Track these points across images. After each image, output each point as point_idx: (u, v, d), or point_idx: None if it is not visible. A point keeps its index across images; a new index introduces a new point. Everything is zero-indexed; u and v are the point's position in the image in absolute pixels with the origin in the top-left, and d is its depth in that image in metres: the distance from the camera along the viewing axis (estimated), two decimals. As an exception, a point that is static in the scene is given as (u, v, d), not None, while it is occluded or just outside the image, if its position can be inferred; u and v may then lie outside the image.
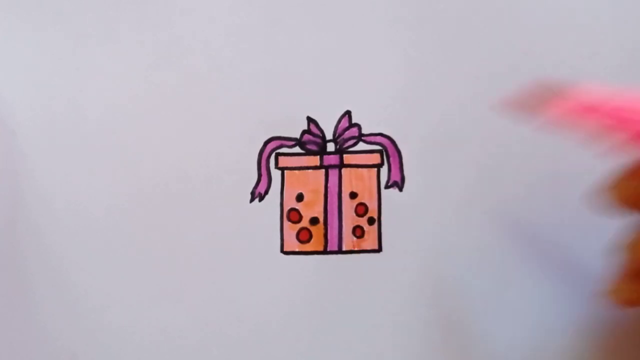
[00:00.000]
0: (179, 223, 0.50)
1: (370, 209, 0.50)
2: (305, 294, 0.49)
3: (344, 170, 0.50)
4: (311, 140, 0.50)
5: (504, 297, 0.49)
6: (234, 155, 0.50)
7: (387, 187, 0.50)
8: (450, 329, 0.49)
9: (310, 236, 0.50)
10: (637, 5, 0.50)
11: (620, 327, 0.49)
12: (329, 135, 0.50)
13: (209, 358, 0.50)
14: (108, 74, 0.50)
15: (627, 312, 0.48)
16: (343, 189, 0.50)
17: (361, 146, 0.50)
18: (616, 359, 0.50)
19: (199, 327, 0.50)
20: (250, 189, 0.50)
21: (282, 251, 0.50)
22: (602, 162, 0.50)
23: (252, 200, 0.50)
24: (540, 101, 0.38)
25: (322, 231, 0.50)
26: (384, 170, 0.50)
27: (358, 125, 0.50)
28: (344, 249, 0.50)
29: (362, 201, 0.50)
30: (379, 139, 0.50)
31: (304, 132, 0.50)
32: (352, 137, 0.50)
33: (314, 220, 0.50)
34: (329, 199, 0.50)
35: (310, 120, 0.50)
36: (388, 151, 0.50)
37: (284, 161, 0.50)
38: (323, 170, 0.50)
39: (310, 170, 0.50)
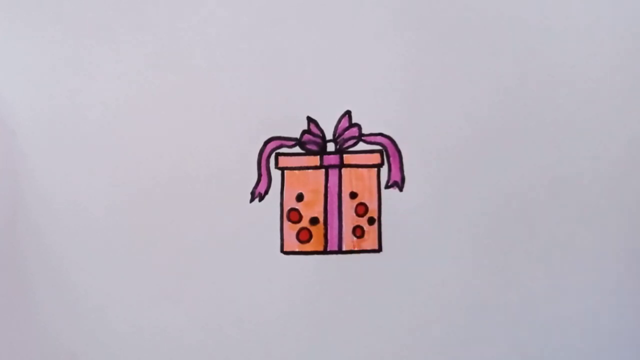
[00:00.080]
0: (179, 223, 0.50)
1: (370, 209, 0.50)
2: (305, 294, 0.50)
3: (344, 170, 0.50)
4: (311, 140, 0.50)
5: (503, 297, 0.49)
6: (234, 155, 0.50)
7: (387, 187, 0.50)
8: (450, 329, 0.49)
9: (310, 236, 0.50)
10: (637, 5, 0.50)
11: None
12: (329, 135, 0.50)
13: (209, 358, 0.50)
14: (108, 74, 0.50)
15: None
16: (343, 189, 0.50)
17: (361, 146, 0.50)
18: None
19: (199, 327, 0.50)
20: (250, 189, 0.50)
21: (282, 251, 0.50)
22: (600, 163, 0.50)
23: (252, 200, 0.50)
24: None
25: (322, 231, 0.50)
26: (384, 170, 0.50)
27: (358, 125, 0.50)
28: (344, 249, 0.50)
29: (362, 201, 0.50)
30: (379, 139, 0.50)
31: (304, 132, 0.50)
32: (352, 137, 0.50)
33: (314, 220, 0.50)
34: (329, 199, 0.50)
35: (310, 120, 0.50)
36: (388, 151, 0.50)
37: (284, 161, 0.50)
38: (323, 170, 0.50)
39: (310, 170, 0.50)
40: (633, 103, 0.49)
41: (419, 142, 0.49)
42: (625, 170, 0.49)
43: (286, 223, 0.50)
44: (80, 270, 0.50)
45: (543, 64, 0.49)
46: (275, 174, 0.50)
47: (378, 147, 0.50)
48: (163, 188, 0.50)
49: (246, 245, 0.50)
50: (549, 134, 0.49)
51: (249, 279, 0.50)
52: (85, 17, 0.51)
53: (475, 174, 0.49)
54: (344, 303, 0.49)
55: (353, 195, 0.50)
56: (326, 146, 0.50)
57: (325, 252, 0.50)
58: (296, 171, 0.50)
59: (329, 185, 0.50)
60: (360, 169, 0.50)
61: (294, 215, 0.50)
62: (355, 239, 0.50)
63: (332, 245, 0.50)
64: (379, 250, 0.49)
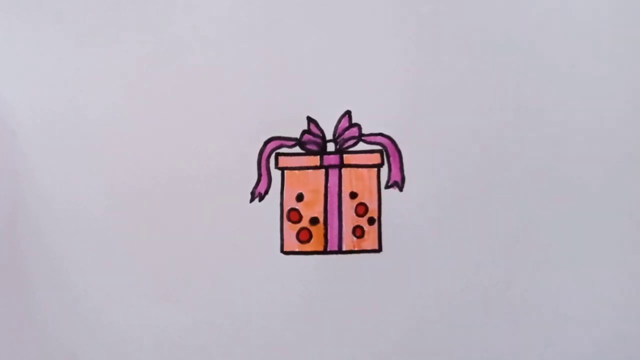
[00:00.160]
0: (178, 223, 0.50)
1: (370, 209, 0.50)
2: (305, 294, 0.50)
3: (344, 170, 0.50)
4: (311, 140, 0.50)
5: (503, 296, 0.49)
6: (234, 155, 0.50)
7: (387, 187, 0.50)
8: (450, 329, 0.49)
9: (310, 236, 0.50)
10: (637, 5, 0.50)
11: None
12: (329, 135, 0.50)
13: (209, 358, 0.50)
14: (108, 74, 0.51)
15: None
16: (343, 189, 0.50)
17: (361, 146, 0.50)
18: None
19: (199, 326, 0.50)
20: (250, 189, 0.50)
21: (282, 251, 0.50)
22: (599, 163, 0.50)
23: (252, 200, 0.50)
24: None
25: (322, 231, 0.50)
26: (384, 170, 0.50)
27: (358, 125, 0.50)
28: (344, 249, 0.50)
29: (362, 201, 0.50)
30: (379, 139, 0.50)
31: (304, 132, 0.50)
32: (352, 137, 0.50)
33: (314, 220, 0.50)
34: (329, 199, 0.50)
35: (310, 120, 0.50)
36: (388, 151, 0.50)
37: (284, 161, 0.50)
38: (323, 170, 0.50)
39: (310, 170, 0.50)
40: (633, 103, 0.49)
41: (419, 142, 0.49)
42: (625, 170, 0.49)
43: (286, 223, 0.50)
44: (80, 270, 0.50)
45: (542, 64, 0.49)
46: (275, 174, 0.50)
47: (378, 147, 0.50)
48: (163, 188, 0.50)
49: (246, 245, 0.50)
50: (549, 134, 0.49)
51: (249, 279, 0.50)
52: (85, 17, 0.51)
53: (475, 173, 0.49)
54: (344, 303, 0.49)
55: (353, 195, 0.50)
56: (326, 146, 0.50)
57: (325, 252, 0.50)
58: (296, 171, 0.50)
59: (329, 185, 0.50)
60: (360, 169, 0.50)
61: (294, 215, 0.50)
62: (355, 239, 0.50)
63: (332, 245, 0.50)
64: (379, 250, 0.49)
